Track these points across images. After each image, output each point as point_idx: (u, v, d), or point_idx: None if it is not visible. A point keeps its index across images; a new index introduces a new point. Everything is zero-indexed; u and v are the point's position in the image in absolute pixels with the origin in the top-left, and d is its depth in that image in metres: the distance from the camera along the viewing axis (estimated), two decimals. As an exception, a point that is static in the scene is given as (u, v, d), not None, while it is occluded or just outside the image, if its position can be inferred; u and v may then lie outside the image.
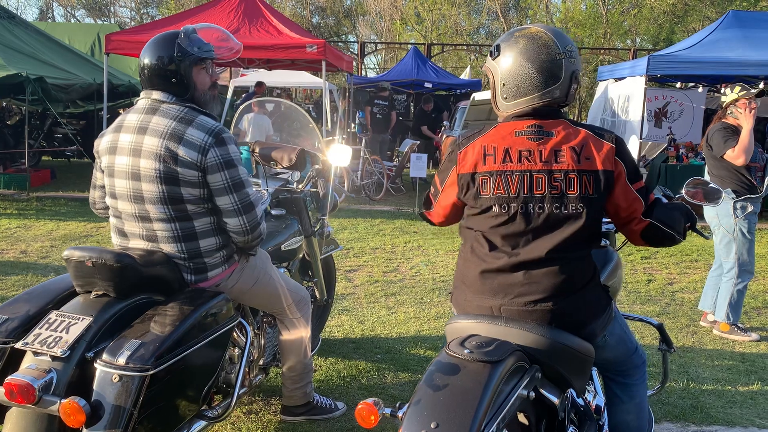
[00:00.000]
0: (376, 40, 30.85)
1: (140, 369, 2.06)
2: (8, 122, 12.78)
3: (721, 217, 4.57)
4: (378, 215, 9.13)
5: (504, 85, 2.12)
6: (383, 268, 6.25)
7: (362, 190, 10.65)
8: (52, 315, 2.24)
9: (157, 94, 2.52)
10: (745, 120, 4.45)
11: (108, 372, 2.07)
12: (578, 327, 2.09)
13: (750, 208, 4.51)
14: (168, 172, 2.43)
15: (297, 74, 15.11)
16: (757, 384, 3.87)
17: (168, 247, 2.52)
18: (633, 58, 16.30)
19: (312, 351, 3.27)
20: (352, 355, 4.09)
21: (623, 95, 10.33)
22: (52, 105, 9.89)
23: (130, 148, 2.47)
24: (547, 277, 2.05)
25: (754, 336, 4.62)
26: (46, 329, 2.18)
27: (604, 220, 2.31)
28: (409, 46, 21.22)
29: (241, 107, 4.56)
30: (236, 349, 2.84)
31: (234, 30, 9.57)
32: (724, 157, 4.47)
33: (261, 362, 3.18)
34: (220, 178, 2.47)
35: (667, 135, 10.33)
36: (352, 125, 13.45)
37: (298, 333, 3.03)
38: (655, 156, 10.34)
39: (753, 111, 4.44)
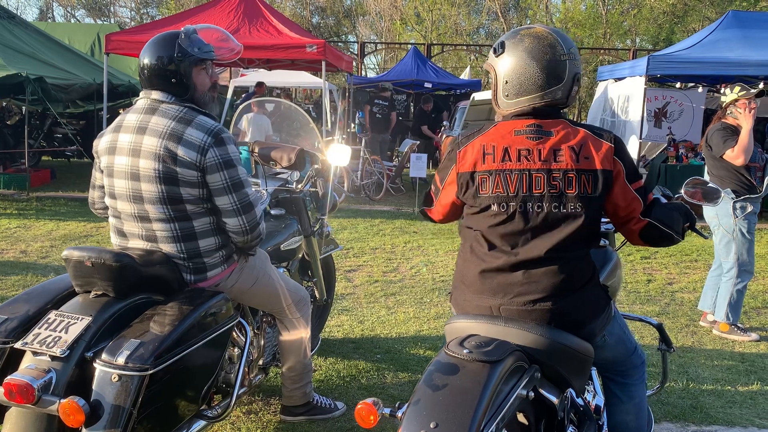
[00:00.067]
0: (376, 41, 30.84)
1: (139, 369, 2.06)
2: (8, 122, 12.78)
3: (721, 217, 4.57)
4: (378, 215, 9.13)
5: (506, 82, 2.12)
6: (383, 268, 6.25)
7: (362, 190, 10.65)
8: (52, 315, 2.24)
9: (156, 94, 2.52)
10: (744, 120, 4.45)
11: (107, 372, 2.07)
12: (577, 327, 2.09)
13: (749, 208, 4.51)
14: (167, 172, 2.43)
15: (297, 74, 15.11)
16: (757, 384, 3.87)
17: (167, 247, 2.52)
18: (633, 59, 16.30)
19: (312, 351, 3.27)
20: (351, 355, 4.09)
21: (623, 95, 10.33)
22: (52, 105, 9.89)
23: (130, 148, 2.47)
24: (546, 277, 2.05)
25: (754, 336, 4.62)
26: (46, 329, 2.18)
27: (603, 219, 2.31)
28: (409, 46, 21.22)
29: (241, 107, 4.57)
30: (236, 349, 2.84)
31: (234, 30, 9.57)
32: (724, 157, 4.47)
33: (260, 362, 3.18)
34: (219, 178, 2.47)
35: (667, 135, 10.33)
36: (352, 125, 13.44)
37: (298, 333, 3.03)
38: (654, 156, 10.35)
39: (752, 111, 4.44)
